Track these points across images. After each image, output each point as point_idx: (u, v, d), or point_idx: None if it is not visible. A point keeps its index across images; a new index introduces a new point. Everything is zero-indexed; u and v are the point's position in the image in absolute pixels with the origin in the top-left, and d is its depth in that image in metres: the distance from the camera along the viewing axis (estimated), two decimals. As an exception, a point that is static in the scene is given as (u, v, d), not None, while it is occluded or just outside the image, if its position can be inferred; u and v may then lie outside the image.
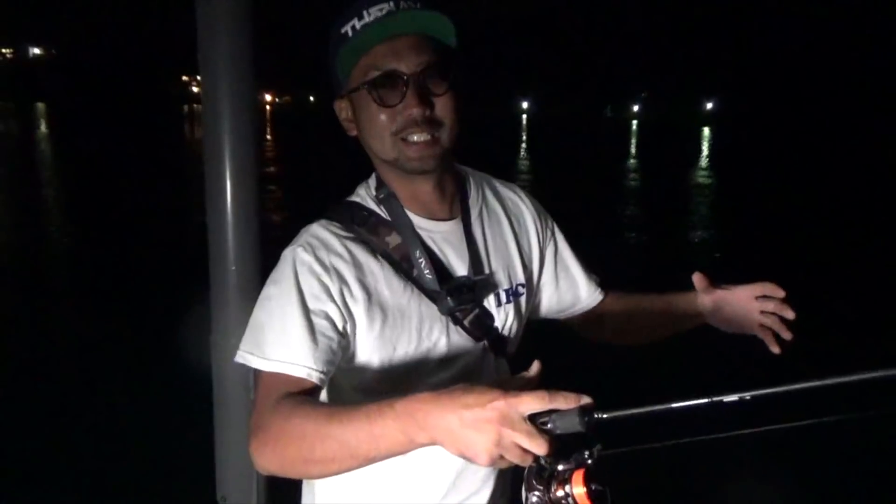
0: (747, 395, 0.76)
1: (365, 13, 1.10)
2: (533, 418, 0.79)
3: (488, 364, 1.24)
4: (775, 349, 1.27)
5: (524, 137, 44.53)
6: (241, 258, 1.50)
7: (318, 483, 1.29)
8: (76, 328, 5.90)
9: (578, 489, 0.80)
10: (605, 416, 0.79)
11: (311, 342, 1.05)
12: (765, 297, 1.29)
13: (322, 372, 1.05)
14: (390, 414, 0.85)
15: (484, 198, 1.31)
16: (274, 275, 1.13)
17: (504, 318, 1.26)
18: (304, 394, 1.02)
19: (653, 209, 14.39)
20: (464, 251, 1.22)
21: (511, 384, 0.84)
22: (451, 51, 1.14)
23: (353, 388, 1.17)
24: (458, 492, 1.25)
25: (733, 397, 0.76)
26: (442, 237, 1.21)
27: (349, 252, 1.12)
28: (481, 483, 1.28)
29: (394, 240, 1.17)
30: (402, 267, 1.16)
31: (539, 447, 0.79)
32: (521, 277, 1.30)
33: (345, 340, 1.10)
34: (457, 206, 1.25)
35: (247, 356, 1.08)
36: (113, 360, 4.89)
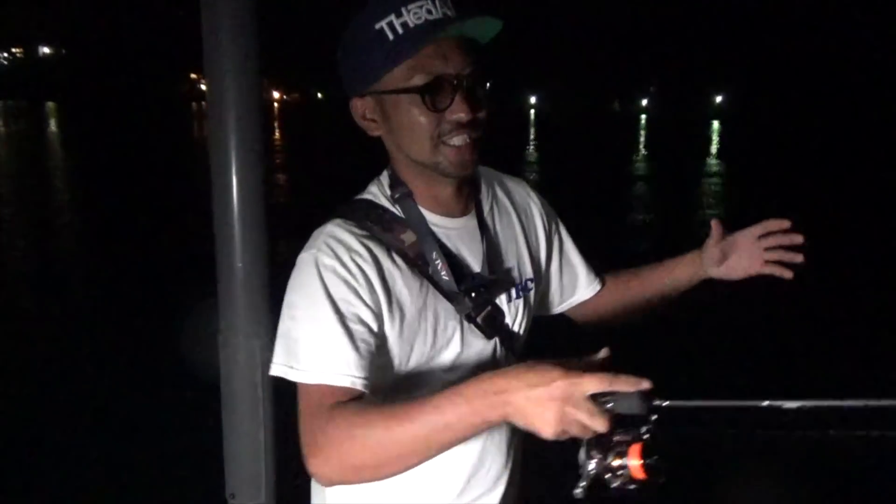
0: (808, 404, 0.84)
1: (404, 11, 1.06)
2: (595, 397, 0.86)
3: (499, 360, 1.24)
4: (787, 274, 1.32)
5: (532, 133, 44.40)
6: (248, 254, 1.49)
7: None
8: (86, 324, 5.93)
9: (634, 461, 0.86)
10: (664, 403, 0.87)
11: (352, 349, 1.04)
12: (768, 235, 1.33)
13: (366, 378, 1.04)
14: (460, 401, 0.90)
15: (494, 193, 1.31)
16: (297, 281, 1.11)
17: (515, 313, 1.26)
18: (351, 399, 1.02)
19: (662, 206, 14.33)
20: (478, 248, 1.21)
21: (575, 364, 0.89)
22: (484, 50, 1.13)
23: None
24: (472, 490, 1.25)
25: (793, 404, 0.84)
26: (457, 234, 1.20)
27: (369, 251, 1.11)
28: (493, 483, 1.28)
29: (409, 238, 1.16)
30: (418, 265, 1.15)
31: (599, 425, 0.85)
32: (529, 272, 1.31)
33: (379, 340, 1.09)
34: (470, 203, 1.24)
35: (285, 370, 1.07)
36: (121, 357, 4.92)
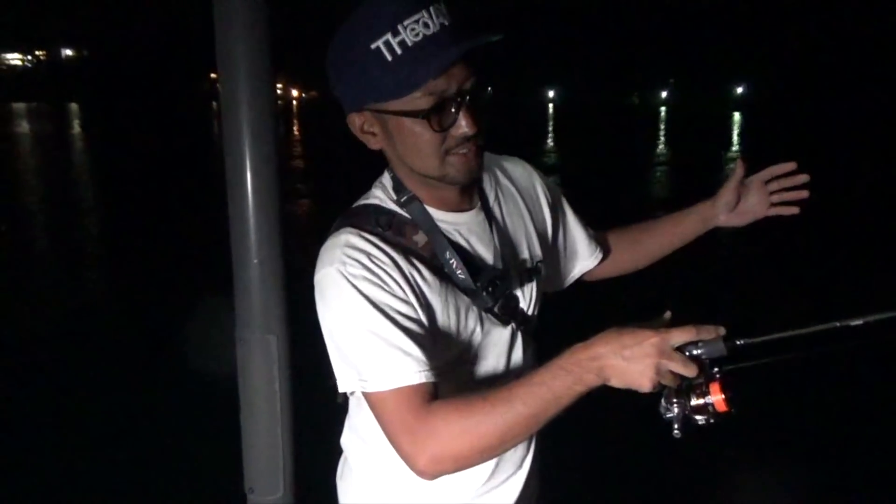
0: (871, 319, 0.94)
1: (401, 28, 1.00)
2: (680, 349, 0.96)
3: (517, 345, 1.26)
4: (793, 210, 1.42)
5: (550, 126, 44.21)
6: (263, 251, 1.50)
7: (357, 463, 1.32)
8: (107, 321, 6.00)
9: (717, 397, 0.96)
10: (743, 341, 0.96)
11: (414, 345, 1.05)
12: (774, 179, 1.42)
13: (435, 368, 1.06)
14: (562, 374, 0.98)
15: (496, 180, 1.31)
16: (329, 299, 1.08)
17: (528, 297, 1.27)
18: (428, 395, 1.04)
19: (680, 200, 14.17)
20: (489, 240, 1.22)
21: (654, 324, 0.99)
22: (485, 57, 1.10)
23: None
24: (501, 473, 1.28)
25: (858, 321, 0.95)
26: (467, 229, 1.20)
27: (388, 256, 1.10)
28: (520, 462, 1.32)
29: (421, 239, 1.15)
30: (434, 265, 1.15)
31: (691, 371, 0.96)
32: (539, 253, 1.31)
33: (426, 335, 1.09)
34: (475, 196, 1.24)
35: (351, 384, 1.08)
36: (138, 353, 4.97)
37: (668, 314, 1.03)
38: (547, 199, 1.39)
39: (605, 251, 1.55)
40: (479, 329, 1.18)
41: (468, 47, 1.00)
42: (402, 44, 1.00)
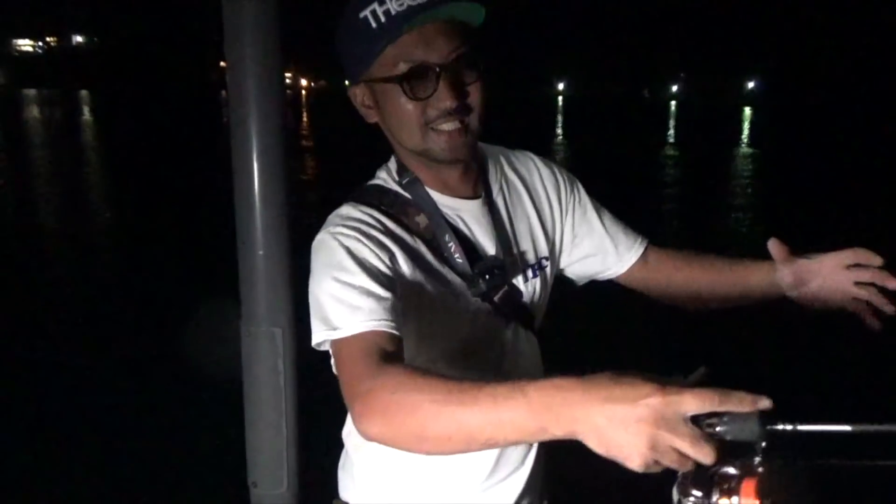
0: None
1: None
2: (696, 420, 0.69)
3: (519, 339, 1.25)
4: (875, 324, 1.13)
5: (560, 120, 44.09)
6: (269, 242, 1.49)
7: (357, 456, 1.31)
8: (112, 311, 6.01)
9: (749, 502, 0.69)
10: (789, 427, 0.69)
11: (379, 297, 1.01)
12: (857, 265, 1.14)
13: (397, 323, 1.01)
14: (521, 400, 0.75)
15: (503, 172, 1.29)
16: (317, 258, 1.09)
17: (532, 293, 1.26)
18: (396, 349, 0.98)
19: (690, 196, 14.13)
20: (490, 230, 1.20)
21: (671, 381, 0.72)
22: (478, 32, 1.10)
23: None
24: (502, 469, 1.27)
25: None
26: (469, 215, 1.19)
27: (385, 228, 1.11)
28: (521, 460, 1.30)
29: (422, 221, 1.15)
30: (433, 246, 1.14)
31: (705, 455, 0.68)
32: (544, 250, 1.29)
33: (400, 303, 1.05)
34: (479, 185, 1.23)
35: (324, 335, 1.02)
36: (146, 347, 4.97)
37: (702, 369, 0.76)
38: (559, 196, 1.34)
39: (646, 257, 1.38)
40: (475, 318, 1.18)
41: (441, 10, 1.03)
42: (386, 13, 1.04)
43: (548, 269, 1.29)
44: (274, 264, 1.49)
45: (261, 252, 1.47)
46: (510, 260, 1.20)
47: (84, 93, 68.50)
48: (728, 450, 0.70)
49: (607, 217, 1.38)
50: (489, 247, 1.19)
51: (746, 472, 0.70)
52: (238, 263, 1.51)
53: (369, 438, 0.90)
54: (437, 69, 1.05)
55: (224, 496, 1.78)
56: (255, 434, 1.59)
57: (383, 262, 1.06)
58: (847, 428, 0.68)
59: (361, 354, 0.96)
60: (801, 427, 0.69)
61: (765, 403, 0.69)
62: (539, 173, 1.34)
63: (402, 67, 1.05)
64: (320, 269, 1.07)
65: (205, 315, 3.78)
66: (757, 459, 0.70)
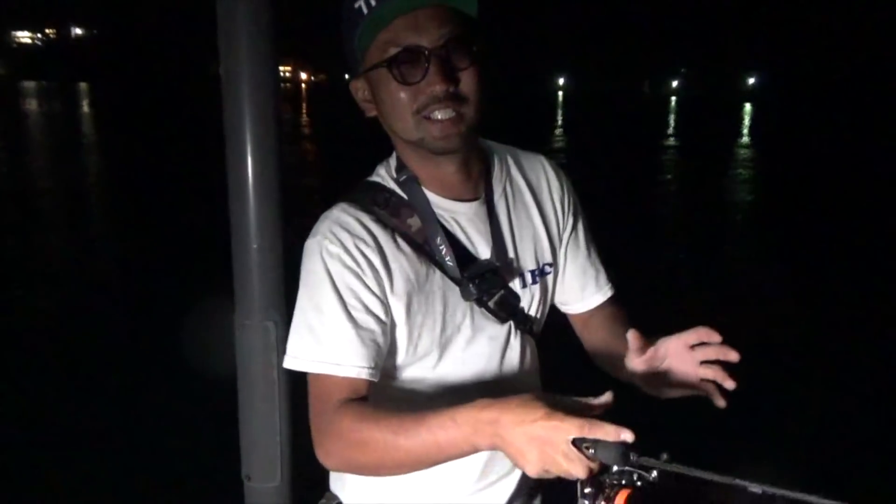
0: (771, 491, 0.84)
1: None
2: (578, 441, 0.84)
3: (515, 344, 1.23)
4: (720, 403, 1.08)
5: (560, 114, 43.97)
6: (264, 237, 1.48)
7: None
8: (107, 304, 6.01)
9: None
10: (642, 460, 0.84)
11: (357, 340, 1.06)
12: (701, 344, 1.08)
13: (372, 367, 1.07)
14: (451, 426, 0.93)
15: (508, 173, 1.26)
16: (305, 269, 1.12)
17: (531, 298, 1.24)
18: (357, 391, 1.06)
19: (689, 193, 14.11)
20: (487, 233, 1.18)
21: (566, 405, 0.89)
22: (474, 21, 1.09)
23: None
24: (491, 474, 1.26)
25: (757, 489, 0.84)
26: (466, 218, 1.17)
27: (373, 236, 1.10)
28: (511, 465, 1.27)
29: (416, 223, 1.14)
30: (425, 250, 1.13)
31: (576, 471, 0.85)
32: (548, 256, 1.27)
33: (387, 328, 1.10)
34: (481, 186, 1.21)
35: (294, 361, 1.10)
36: (140, 340, 4.98)
37: (608, 394, 0.92)
38: (563, 204, 1.31)
39: (610, 303, 1.36)
40: (468, 322, 1.17)
41: None
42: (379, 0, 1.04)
43: (550, 277, 1.28)
44: (268, 258, 1.48)
45: (255, 246, 1.47)
46: (506, 264, 1.19)
47: (84, 85, 68.23)
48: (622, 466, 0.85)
49: (593, 251, 1.36)
50: (484, 250, 1.18)
51: (627, 484, 0.86)
52: (232, 257, 1.51)
53: (329, 468, 1.07)
54: (427, 52, 1.04)
55: (218, 489, 1.78)
56: (248, 427, 1.59)
57: (366, 285, 1.08)
58: (695, 473, 0.85)
59: (321, 396, 1.07)
60: (655, 464, 0.85)
61: (626, 436, 0.82)
62: (547, 179, 1.31)
63: (392, 51, 1.05)
64: (304, 290, 1.12)
65: (199, 308, 3.78)
66: (637, 475, 0.86)
